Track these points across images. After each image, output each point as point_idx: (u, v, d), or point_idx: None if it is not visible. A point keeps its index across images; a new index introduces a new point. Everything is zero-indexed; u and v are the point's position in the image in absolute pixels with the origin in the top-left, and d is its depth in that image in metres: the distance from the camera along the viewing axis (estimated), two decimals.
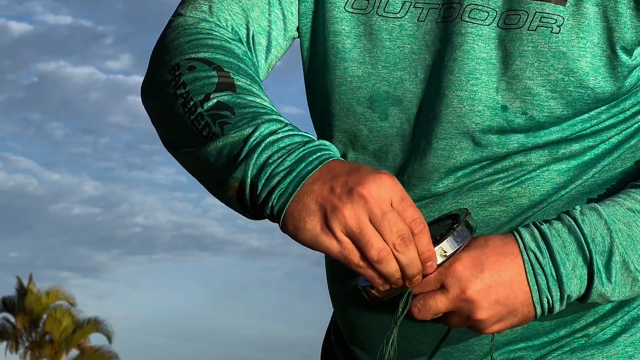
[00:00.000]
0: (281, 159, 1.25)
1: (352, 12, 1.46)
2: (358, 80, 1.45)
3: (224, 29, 1.46)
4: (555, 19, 1.36)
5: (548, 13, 1.37)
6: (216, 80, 1.35)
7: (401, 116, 1.43)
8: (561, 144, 1.39)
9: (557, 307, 1.31)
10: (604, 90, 1.38)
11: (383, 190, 1.22)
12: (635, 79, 1.40)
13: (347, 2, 1.46)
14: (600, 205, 1.34)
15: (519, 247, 1.31)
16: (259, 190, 1.25)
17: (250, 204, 1.28)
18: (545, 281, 1.30)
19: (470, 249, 1.30)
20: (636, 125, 1.43)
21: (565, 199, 1.40)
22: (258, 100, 1.33)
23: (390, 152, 1.44)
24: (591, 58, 1.37)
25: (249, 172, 1.26)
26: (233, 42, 1.43)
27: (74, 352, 36.55)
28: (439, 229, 1.29)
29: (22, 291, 36.39)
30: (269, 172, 1.25)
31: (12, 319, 36.17)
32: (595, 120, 1.40)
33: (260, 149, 1.26)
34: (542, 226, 1.31)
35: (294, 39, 1.53)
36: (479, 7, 1.40)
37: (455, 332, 1.41)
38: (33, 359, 35.91)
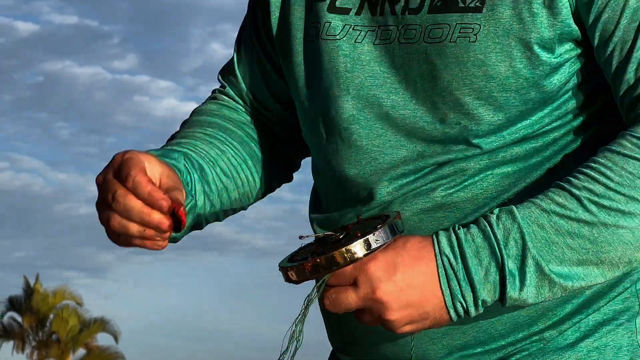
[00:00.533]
0: None
1: (306, 42, 1.53)
2: (309, 104, 1.53)
3: (232, 101, 1.67)
4: (473, 28, 1.39)
5: (466, 23, 1.39)
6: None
7: (335, 134, 1.49)
8: (500, 149, 1.41)
9: (472, 312, 1.33)
10: (528, 91, 1.40)
11: (108, 168, 1.38)
12: (566, 75, 1.41)
13: (303, 33, 1.53)
14: (517, 207, 1.33)
15: (435, 251, 1.32)
16: None
17: None
18: (458, 286, 1.31)
19: (387, 249, 1.32)
20: (575, 124, 1.43)
21: (509, 202, 1.40)
22: (190, 141, 1.58)
23: (336, 167, 1.49)
24: (510, 61, 1.38)
25: None
26: (216, 115, 1.64)
27: (81, 351, 36.47)
28: (367, 226, 1.33)
29: (29, 291, 36.29)
30: None
31: (19, 319, 36.06)
32: (539, 125, 1.41)
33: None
34: (459, 231, 1.33)
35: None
36: (410, 27, 1.43)
37: (405, 337, 1.43)
38: (40, 359, 35.74)
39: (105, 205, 1.35)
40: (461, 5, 1.39)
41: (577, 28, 1.39)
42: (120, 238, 1.37)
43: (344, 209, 1.47)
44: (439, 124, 1.41)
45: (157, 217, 1.32)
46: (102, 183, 1.36)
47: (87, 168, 68.18)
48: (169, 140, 1.58)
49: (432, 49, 1.41)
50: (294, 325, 1.32)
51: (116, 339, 36.04)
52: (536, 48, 1.38)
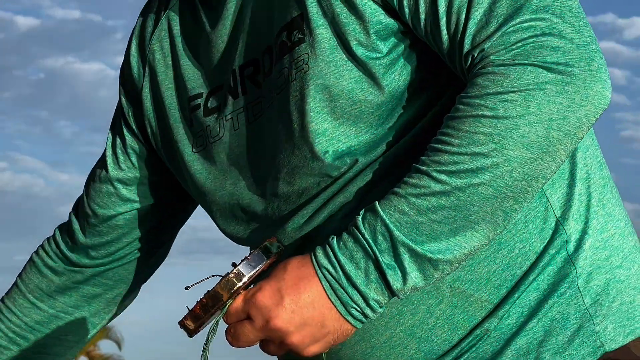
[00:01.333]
0: None
1: (197, 152, 1.61)
2: (215, 204, 1.61)
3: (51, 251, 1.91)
4: (303, 59, 1.44)
5: (297, 57, 1.44)
6: None
7: (214, 209, 1.61)
8: (367, 153, 1.45)
9: (369, 313, 1.36)
10: (377, 94, 1.43)
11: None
12: (404, 73, 1.43)
13: (192, 145, 1.62)
14: (379, 202, 1.36)
15: (314, 267, 1.36)
16: None
17: None
18: (346, 294, 1.35)
19: (270, 278, 1.36)
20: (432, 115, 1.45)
21: (381, 192, 1.39)
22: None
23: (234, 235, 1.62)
24: (349, 73, 1.43)
25: None
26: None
27: (83, 359, 35.41)
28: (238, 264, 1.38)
29: None
30: None
31: None
32: (394, 120, 1.45)
33: None
34: (332, 241, 1.36)
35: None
36: (255, 103, 1.53)
37: (378, 341, 1.48)
38: None
39: None
40: (289, 44, 1.45)
41: (392, 21, 1.42)
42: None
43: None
44: (306, 156, 1.46)
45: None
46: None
47: (90, 168, 67.43)
48: None
49: (281, 98, 1.47)
50: None
51: (119, 346, 35.48)
52: (360, 54, 1.42)
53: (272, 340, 1.37)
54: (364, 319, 1.35)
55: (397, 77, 1.43)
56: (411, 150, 1.43)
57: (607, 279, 1.47)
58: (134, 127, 1.73)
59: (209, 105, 1.58)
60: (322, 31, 1.42)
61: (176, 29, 1.64)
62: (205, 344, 1.40)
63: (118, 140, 1.77)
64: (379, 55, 1.41)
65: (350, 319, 1.35)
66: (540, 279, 1.44)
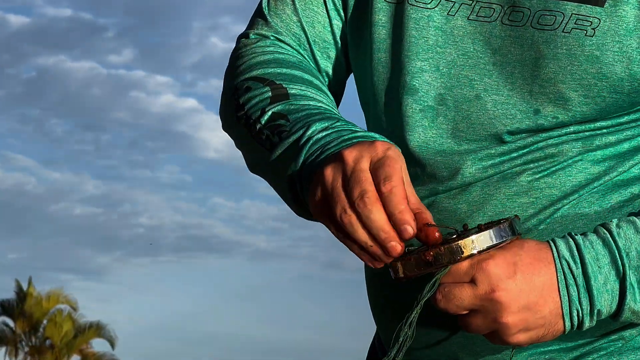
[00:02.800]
0: (320, 151, 1.34)
1: (390, 2, 1.50)
2: (387, 71, 1.49)
3: (279, 44, 1.55)
4: (591, 21, 1.37)
5: (584, 15, 1.37)
6: (269, 94, 1.44)
7: (414, 106, 1.45)
8: (596, 136, 1.40)
9: (586, 322, 1.31)
10: (639, 94, 1.38)
11: (365, 152, 1.27)
12: None
13: None
14: (638, 217, 1.33)
15: (553, 254, 1.30)
16: (302, 176, 1.35)
17: (300, 198, 1.36)
18: (577, 292, 1.30)
19: (504, 249, 1.30)
20: None
21: (600, 190, 1.40)
22: (312, 103, 1.43)
23: (411, 142, 1.45)
24: (628, 63, 1.37)
25: (298, 166, 1.35)
26: (286, 53, 1.53)
27: (76, 358, 36.28)
28: (483, 228, 1.31)
29: (22, 294, 35.93)
30: (309, 161, 1.34)
31: (12, 324, 35.75)
32: (634, 116, 1.40)
33: (309, 145, 1.36)
34: (576, 237, 1.32)
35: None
36: (518, 9, 1.41)
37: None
38: None
39: (346, 193, 1.27)
40: None
41: None
42: (339, 233, 1.29)
43: (415, 187, 1.35)
44: (532, 114, 1.40)
45: (393, 242, 1.25)
46: (354, 168, 1.27)
47: (82, 167, 68.04)
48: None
49: (541, 36, 1.39)
50: (405, 324, 1.30)
51: (112, 344, 35.74)
52: None
53: (483, 313, 1.29)
54: (576, 326, 1.30)
55: None
56: (631, 144, 1.41)
57: None
58: None
59: None
60: (629, 9, 1.36)
61: None
62: (422, 298, 1.29)
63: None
64: None
65: (567, 319, 1.30)
66: None
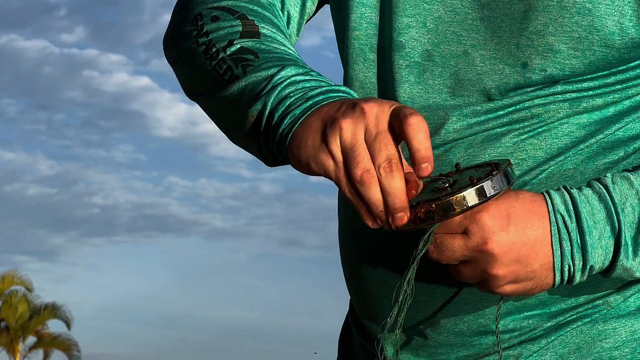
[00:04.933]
0: (303, 93, 1.30)
1: None
2: (372, 27, 1.48)
3: None
4: None
5: None
6: (240, 28, 1.40)
7: (401, 62, 1.44)
8: (583, 98, 1.38)
9: (577, 277, 1.30)
10: (630, 50, 1.37)
11: (386, 109, 1.23)
12: None
13: None
14: (632, 174, 1.32)
15: (548, 207, 1.29)
16: (274, 119, 1.30)
17: (263, 136, 1.32)
18: (570, 247, 1.29)
19: (499, 200, 1.27)
20: None
21: (584, 153, 1.38)
22: (282, 47, 1.39)
23: (392, 95, 1.44)
24: (619, 17, 1.36)
25: (269, 103, 1.30)
26: None
27: (32, 339, 35.85)
28: (476, 174, 1.27)
29: None
30: (287, 103, 1.29)
31: None
32: (621, 77, 1.39)
33: (284, 84, 1.31)
34: (572, 190, 1.30)
35: None
36: None
37: (466, 293, 1.39)
38: None
39: (371, 153, 1.22)
40: None
41: None
42: (350, 187, 1.24)
43: None
44: (520, 68, 1.39)
45: (401, 213, 1.23)
46: (379, 127, 1.22)
47: (36, 146, 67.37)
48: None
49: None
50: (404, 282, 1.29)
51: (68, 325, 35.38)
52: None
53: (473, 264, 1.28)
54: (566, 280, 1.29)
55: None
56: (616, 108, 1.39)
57: None
58: None
59: None
60: None
61: None
62: (418, 254, 1.27)
63: None
64: None
65: (557, 274, 1.28)
66: None
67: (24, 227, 65.25)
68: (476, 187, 1.23)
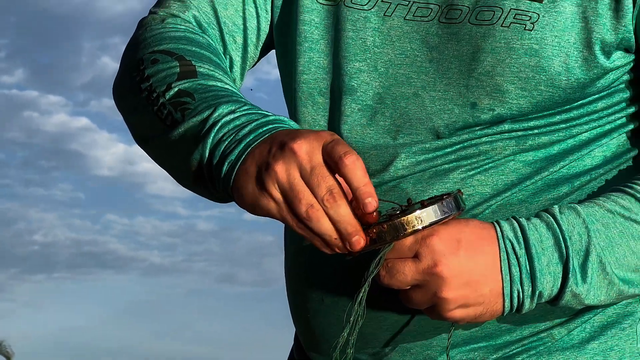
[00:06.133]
0: (235, 134, 1.28)
1: (323, 4, 1.49)
2: (320, 71, 1.48)
3: (191, 23, 1.52)
4: (530, 16, 1.37)
5: (523, 10, 1.38)
6: (178, 69, 1.39)
7: (353, 106, 1.45)
8: (529, 136, 1.40)
9: (526, 304, 1.29)
10: (575, 91, 1.38)
11: (316, 145, 1.22)
12: (609, 80, 1.41)
13: None
14: (579, 205, 1.33)
15: (497, 234, 1.29)
16: (213, 165, 1.29)
17: (209, 181, 1.31)
18: (519, 272, 1.28)
19: (449, 225, 1.27)
20: (608, 126, 1.44)
21: (530, 189, 1.40)
22: (219, 84, 1.38)
23: (347, 141, 1.43)
24: (565, 58, 1.37)
25: (207, 149, 1.29)
26: (197, 34, 1.49)
27: None
28: (428, 201, 1.28)
29: None
30: (222, 147, 1.28)
31: None
32: (566, 116, 1.41)
33: (217, 128, 1.30)
34: (520, 219, 1.31)
35: (269, 37, 1.58)
36: (455, 7, 1.41)
37: (414, 326, 1.38)
38: None
39: (311, 189, 1.22)
40: None
41: (633, 35, 1.40)
42: (300, 224, 1.24)
43: None
44: (469, 108, 1.39)
45: (357, 237, 1.22)
46: (313, 162, 1.22)
47: None
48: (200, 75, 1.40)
49: (479, 31, 1.39)
50: (355, 303, 1.27)
51: None
52: (595, 50, 1.38)
53: (424, 287, 1.26)
54: (516, 307, 1.29)
55: (600, 84, 1.40)
56: (561, 147, 1.41)
57: None
58: None
59: None
60: (567, 5, 1.37)
61: None
62: (369, 275, 1.26)
63: None
64: (606, 60, 1.38)
65: (507, 300, 1.28)
66: (612, 308, 1.40)
67: None
68: (426, 208, 1.24)
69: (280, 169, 1.21)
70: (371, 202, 1.21)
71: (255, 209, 1.25)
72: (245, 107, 1.32)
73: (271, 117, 1.30)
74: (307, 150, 1.22)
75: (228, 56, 1.54)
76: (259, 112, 1.32)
